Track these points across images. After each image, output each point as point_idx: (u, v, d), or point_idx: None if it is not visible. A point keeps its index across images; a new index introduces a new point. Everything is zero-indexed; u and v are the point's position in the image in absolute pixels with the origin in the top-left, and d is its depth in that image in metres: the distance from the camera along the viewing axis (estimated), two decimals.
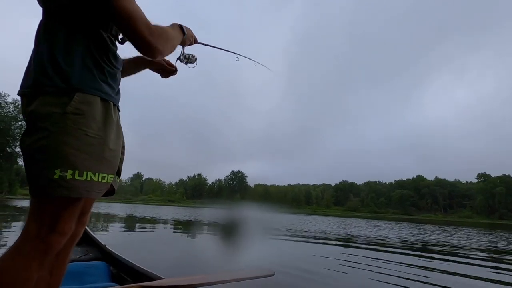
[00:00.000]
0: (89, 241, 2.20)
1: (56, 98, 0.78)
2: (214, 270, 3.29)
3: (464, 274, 3.65)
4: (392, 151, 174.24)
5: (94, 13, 0.84)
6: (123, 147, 0.99)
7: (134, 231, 7.25)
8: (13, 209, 13.58)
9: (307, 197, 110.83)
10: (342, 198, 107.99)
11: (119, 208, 21.63)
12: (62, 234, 0.80)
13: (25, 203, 21.56)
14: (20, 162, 40.79)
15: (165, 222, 10.90)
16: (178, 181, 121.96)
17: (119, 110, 0.96)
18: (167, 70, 1.23)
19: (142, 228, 8.06)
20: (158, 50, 0.90)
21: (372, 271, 3.54)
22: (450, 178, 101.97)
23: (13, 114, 36.11)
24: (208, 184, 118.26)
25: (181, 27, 1.06)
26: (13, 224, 6.80)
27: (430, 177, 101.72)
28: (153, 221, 10.75)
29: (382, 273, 3.44)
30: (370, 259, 4.47)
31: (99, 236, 2.32)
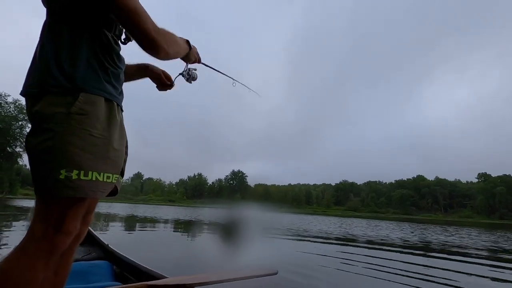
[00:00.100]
0: (92, 241, 2.20)
1: (61, 98, 0.78)
2: (215, 269, 3.29)
3: (469, 273, 3.66)
4: (392, 151, 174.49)
5: (97, 12, 0.85)
6: (126, 147, 0.99)
7: (134, 230, 7.25)
8: (14, 209, 13.58)
9: (308, 197, 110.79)
10: (343, 198, 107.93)
11: (119, 208, 21.63)
12: (68, 234, 0.80)
13: (26, 203, 21.59)
14: (21, 162, 40.95)
15: (165, 222, 10.90)
16: (178, 181, 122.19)
17: (122, 110, 0.97)
18: (163, 83, 1.23)
19: (142, 228, 8.06)
20: (163, 49, 0.90)
21: (375, 270, 3.55)
22: (451, 178, 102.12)
23: (14, 114, 36.12)
24: (209, 184, 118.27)
25: (187, 41, 1.08)
26: (14, 223, 6.80)
27: (430, 177, 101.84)
28: (153, 221, 10.75)
29: (386, 272, 3.45)
30: (373, 258, 4.47)
31: (100, 236, 2.33)
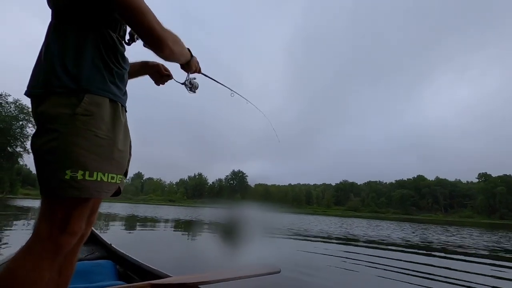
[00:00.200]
0: (94, 240, 2.20)
1: (66, 99, 0.78)
2: (216, 269, 3.29)
3: (474, 273, 3.67)
4: (392, 151, 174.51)
5: (101, 11, 0.85)
6: (130, 147, 0.99)
7: (135, 230, 7.25)
8: (14, 208, 13.60)
9: (308, 197, 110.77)
10: (343, 198, 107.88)
11: (120, 208, 21.65)
12: (73, 234, 0.80)
13: (26, 202, 21.62)
14: (21, 162, 40.88)
15: (166, 221, 10.91)
16: (178, 181, 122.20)
17: (126, 111, 0.97)
18: (161, 73, 1.24)
19: (143, 227, 8.06)
20: (169, 46, 0.91)
21: (378, 269, 3.55)
22: (451, 178, 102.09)
23: (14, 114, 36.11)
24: (209, 184, 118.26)
25: (189, 49, 1.09)
26: (15, 223, 6.81)
27: (430, 177, 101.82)
28: (154, 221, 10.76)
29: (389, 270, 3.46)
30: (375, 257, 4.48)
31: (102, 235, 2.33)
